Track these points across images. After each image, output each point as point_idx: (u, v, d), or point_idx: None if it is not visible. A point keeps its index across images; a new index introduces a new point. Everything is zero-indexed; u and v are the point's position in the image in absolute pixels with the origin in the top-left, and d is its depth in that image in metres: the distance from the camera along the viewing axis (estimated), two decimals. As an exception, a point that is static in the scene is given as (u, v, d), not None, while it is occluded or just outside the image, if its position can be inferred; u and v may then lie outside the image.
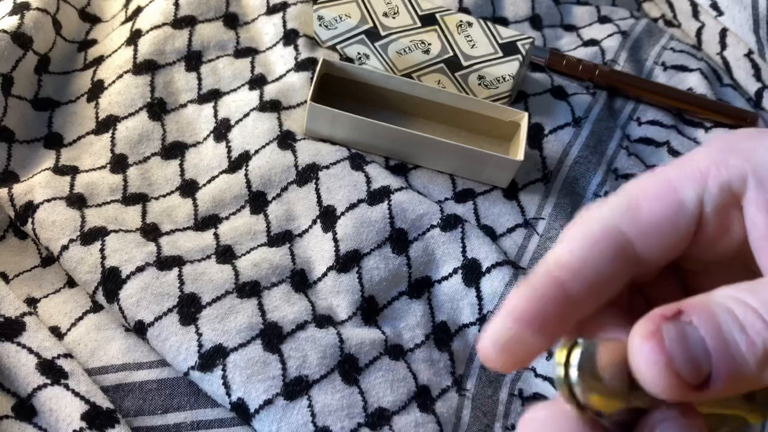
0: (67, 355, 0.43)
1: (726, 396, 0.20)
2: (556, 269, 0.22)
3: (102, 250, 0.46)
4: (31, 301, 0.46)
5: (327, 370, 0.43)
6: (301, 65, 0.56)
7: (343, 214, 0.49)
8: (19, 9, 0.54)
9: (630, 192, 0.23)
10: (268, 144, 0.52)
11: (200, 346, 0.43)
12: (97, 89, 0.55)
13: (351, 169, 0.51)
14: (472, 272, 0.48)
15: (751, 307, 0.20)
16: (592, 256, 0.22)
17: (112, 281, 0.45)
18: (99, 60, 0.57)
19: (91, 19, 0.60)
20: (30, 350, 0.42)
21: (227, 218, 0.50)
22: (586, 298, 0.22)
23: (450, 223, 0.49)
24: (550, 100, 0.59)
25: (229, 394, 0.42)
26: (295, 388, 0.42)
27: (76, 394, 0.41)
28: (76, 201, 0.49)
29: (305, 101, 0.54)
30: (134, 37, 0.56)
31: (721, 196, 0.23)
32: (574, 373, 0.21)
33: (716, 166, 0.23)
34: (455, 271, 0.49)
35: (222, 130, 0.53)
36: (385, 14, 0.57)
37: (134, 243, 0.47)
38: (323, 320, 0.46)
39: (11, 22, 0.53)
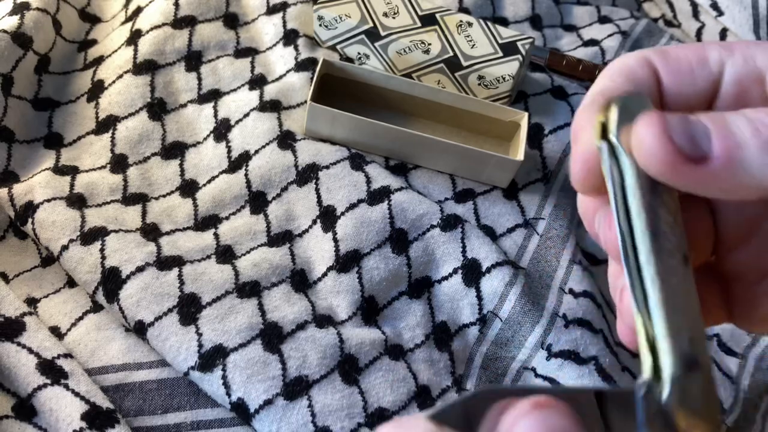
0: (67, 355, 0.43)
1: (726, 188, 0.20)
2: (600, 97, 0.23)
3: (102, 250, 0.46)
4: (31, 301, 0.46)
5: (327, 370, 0.43)
6: (301, 65, 0.56)
7: (343, 214, 0.49)
8: (19, 9, 0.54)
9: (664, 46, 0.25)
10: (268, 144, 0.52)
11: (200, 346, 0.43)
12: (97, 89, 0.55)
13: (351, 169, 0.51)
14: (472, 272, 0.48)
15: (762, 118, 0.20)
16: (630, 81, 0.23)
17: (112, 281, 0.45)
18: (99, 60, 0.57)
19: (91, 19, 0.60)
20: (30, 350, 0.42)
21: (227, 218, 0.50)
22: None
23: (450, 223, 0.49)
24: (550, 100, 0.59)
25: (229, 394, 0.42)
26: (295, 388, 0.42)
27: (76, 394, 0.41)
28: (76, 201, 0.49)
29: (305, 101, 0.54)
30: (134, 37, 0.56)
31: (745, 67, 0.23)
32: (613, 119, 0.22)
33: (745, 45, 0.23)
34: (455, 271, 0.49)
35: (222, 130, 0.53)
36: (385, 14, 0.57)
37: (134, 243, 0.47)
38: (323, 320, 0.46)
39: (11, 22, 0.53)
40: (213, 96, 0.55)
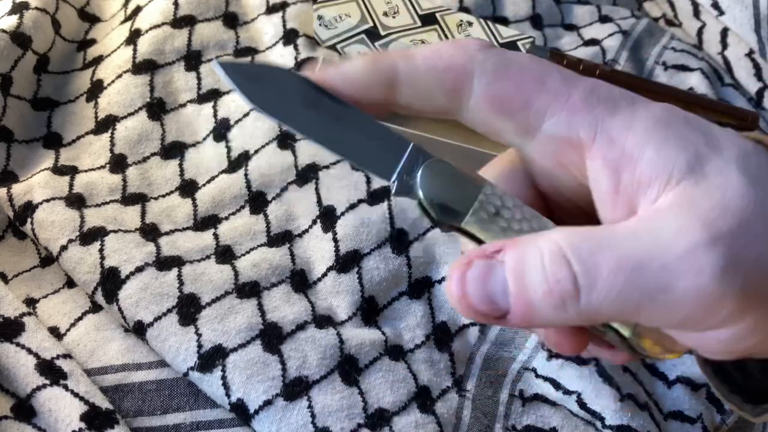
0: (67, 356, 0.43)
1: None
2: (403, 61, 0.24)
3: (101, 250, 0.46)
4: (30, 302, 0.46)
5: (327, 371, 0.43)
6: (301, 65, 0.56)
7: (343, 214, 0.49)
8: (18, 8, 0.53)
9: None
10: (267, 144, 0.52)
11: (200, 346, 0.43)
12: (96, 89, 0.54)
13: (351, 169, 0.51)
14: (472, 272, 0.48)
15: (564, 254, 0.21)
16: (436, 76, 0.24)
17: (111, 281, 0.44)
18: (98, 60, 0.56)
19: (91, 18, 0.60)
20: (29, 351, 0.42)
21: (227, 218, 0.50)
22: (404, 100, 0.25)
23: (450, 223, 0.49)
24: (550, 99, 0.58)
25: (228, 395, 0.42)
26: (295, 388, 0.42)
27: (76, 394, 0.41)
28: (76, 201, 0.48)
29: (305, 101, 0.54)
30: (133, 37, 0.56)
31: (559, 145, 0.24)
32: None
33: (582, 102, 0.24)
34: (455, 271, 0.49)
35: (221, 129, 0.53)
36: (385, 14, 0.57)
37: (133, 243, 0.46)
38: (323, 320, 0.46)
39: (10, 22, 0.52)
40: (212, 96, 0.55)
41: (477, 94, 0.24)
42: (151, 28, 0.56)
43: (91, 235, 0.46)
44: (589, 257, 0.21)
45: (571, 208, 0.27)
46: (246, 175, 0.51)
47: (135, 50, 0.55)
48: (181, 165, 0.53)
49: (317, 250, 0.49)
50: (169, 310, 0.44)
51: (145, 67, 0.55)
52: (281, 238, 0.49)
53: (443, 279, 0.49)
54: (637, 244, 0.21)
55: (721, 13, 0.62)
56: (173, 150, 0.53)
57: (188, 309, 0.44)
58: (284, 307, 0.45)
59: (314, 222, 0.49)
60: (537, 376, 0.46)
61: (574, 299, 0.21)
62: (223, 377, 0.42)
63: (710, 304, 0.21)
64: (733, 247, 0.21)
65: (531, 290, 0.21)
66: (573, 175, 0.25)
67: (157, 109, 0.54)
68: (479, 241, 0.25)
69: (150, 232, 0.49)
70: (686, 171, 0.22)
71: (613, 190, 0.23)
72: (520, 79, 0.24)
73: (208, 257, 0.48)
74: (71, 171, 0.51)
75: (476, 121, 0.26)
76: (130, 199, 0.50)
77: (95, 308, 0.46)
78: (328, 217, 0.49)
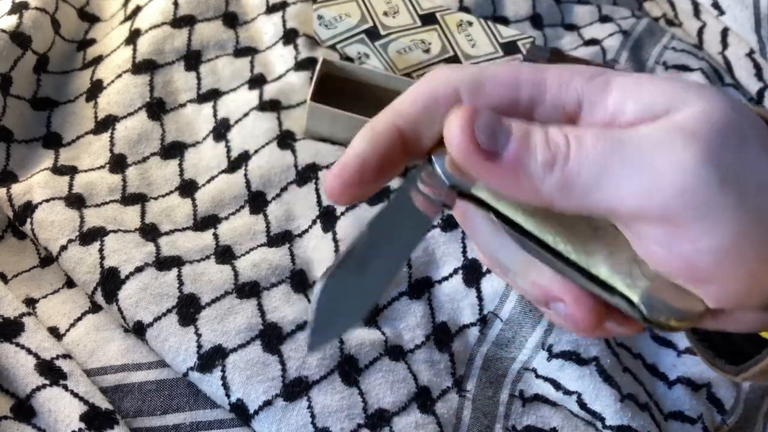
0: (66, 356, 0.43)
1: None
2: (400, 120, 0.25)
3: (101, 250, 0.46)
4: (30, 302, 0.46)
5: (327, 371, 0.43)
6: (301, 65, 0.56)
7: (342, 214, 0.49)
8: (17, 8, 0.53)
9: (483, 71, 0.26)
10: (267, 144, 0.52)
11: (199, 346, 0.43)
12: (96, 89, 0.54)
13: (351, 169, 0.51)
14: (472, 272, 0.48)
15: (564, 131, 0.23)
16: (429, 112, 0.25)
17: (111, 281, 0.44)
18: (98, 59, 0.56)
19: (90, 18, 0.60)
20: (29, 351, 0.42)
21: (227, 218, 0.50)
22: (418, 144, 0.25)
23: (450, 223, 0.49)
24: (550, 99, 0.58)
25: (228, 395, 0.42)
26: (295, 389, 0.42)
27: (75, 394, 0.41)
28: (75, 201, 0.48)
29: (305, 101, 0.54)
30: (133, 37, 0.56)
31: (556, 109, 0.25)
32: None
33: (558, 70, 0.25)
34: (455, 271, 0.49)
35: (221, 129, 0.53)
36: (385, 13, 0.57)
37: (133, 243, 0.46)
38: (323, 321, 0.46)
39: (10, 22, 0.52)
40: (212, 95, 0.55)
41: None
42: (151, 28, 0.56)
43: (90, 235, 0.46)
44: (581, 134, 0.23)
45: None
46: (246, 175, 0.51)
47: (135, 50, 0.55)
48: (180, 165, 0.53)
49: (317, 250, 0.48)
50: (169, 310, 0.44)
51: (144, 66, 0.55)
52: (281, 238, 0.49)
53: (443, 279, 0.49)
54: (621, 132, 0.23)
55: (722, 13, 0.61)
56: (173, 150, 0.53)
57: (188, 309, 0.44)
58: (284, 307, 0.45)
59: (314, 222, 0.49)
60: (537, 376, 0.46)
61: (565, 158, 0.22)
62: (223, 377, 0.42)
63: (689, 190, 0.22)
64: (712, 145, 0.22)
65: (532, 141, 0.23)
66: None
67: (156, 109, 0.54)
68: (488, 208, 0.25)
69: (150, 232, 0.48)
70: (666, 110, 0.23)
71: None
72: (496, 87, 0.25)
73: (207, 257, 0.48)
74: (71, 171, 0.51)
75: None
76: (129, 199, 0.50)
77: (95, 308, 0.46)
78: (328, 217, 0.49)
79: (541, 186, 0.22)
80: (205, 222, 0.50)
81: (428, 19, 0.57)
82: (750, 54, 0.62)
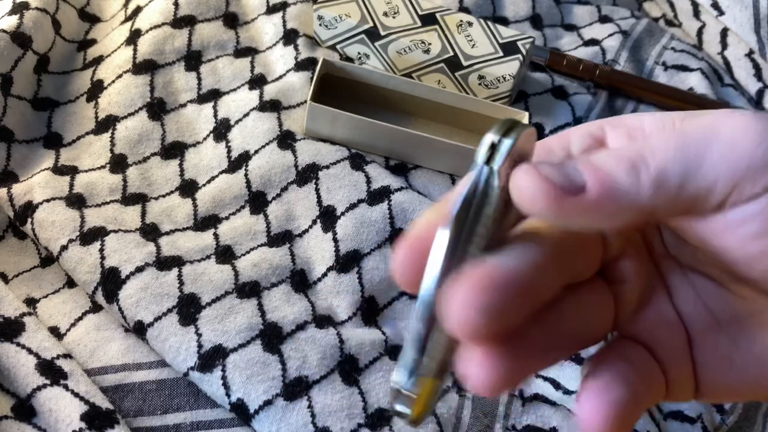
0: (67, 356, 0.43)
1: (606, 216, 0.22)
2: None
3: (101, 250, 0.46)
4: (31, 302, 0.46)
5: (327, 371, 0.43)
6: (301, 65, 0.56)
7: (343, 214, 0.49)
8: (18, 8, 0.54)
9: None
10: (268, 144, 0.52)
11: (200, 346, 0.43)
12: (96, 89, 0.55)
13: (351, 169, 0.51)
14: (472, 272, 0.48)
15: (617, 151, 0.23)
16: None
17: (111, 281, 0.44)
18: (98, 60, 0.56)
19: (91, 18, 0.60)
20: (29, 350, 0.42)
21: (227, 218, 0.50)
22: None
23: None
24: (550, 99, 0.59)
25: (228, 395, 0.42)
26: (295, 388, 0.42)
27: (76, 394, 0.41)
28: (76, 201, 0.48)
29: (305, 101, 0.54)
30: (134, 37, 0.56)
31: (584, 139, 0.26)
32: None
33: (576, 128, 0.26)
34: (455, 271, 0.49)
35: (222, 130, 0.53)
36: (385, 14, 0.57)
37: (134, 243, 0.46)
38: (323, 320, 0.46)
39: (10, 22, 0.52)
40: (213, 96, 0.55)
41: None
42: (151, 28, 0.56)
43: (91, 235, 0.46)
44: (636, 132, 0.24)
45: None
46: (246, 175, 0.51)
47: (135, 50, 0.55)
48: (181, 165, 0.53)
49: (317, 250, 0.49)
50: (170, 310, 0.44)
51: (145, 67, 0.55)
52: (281, 238, 0.49)
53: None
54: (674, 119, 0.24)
55: (721, 13, 0.62)
56: (173, 150, 0.53)
57: (188, 309, 0.44)
58: (284, 307, 0.45)
59: (314, 222, 0.50)
60: (537, 375, 0.46)
61: (644, 161, 0.22)
62: (223, 377, 0.42)
63: (750, 160, 0.21)
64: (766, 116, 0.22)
65: (601, 163, 0.22)
66: None
67: (157, 109, 0.54)
68: None
69: (150, 232, 0.49)
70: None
71: None
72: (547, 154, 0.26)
73: (208, 257, 0.48)
74: (71, 171, 0.51)
75: None
76: (130, 199, 0.50)
77: (95, 308, 0.46)
78: (328, 217, 0.49)
79: (639, 192, 0.22)
80: (206, 222, 0.50)
81: (428, 20, 0.57)
82: (749, 54, 0.62)
